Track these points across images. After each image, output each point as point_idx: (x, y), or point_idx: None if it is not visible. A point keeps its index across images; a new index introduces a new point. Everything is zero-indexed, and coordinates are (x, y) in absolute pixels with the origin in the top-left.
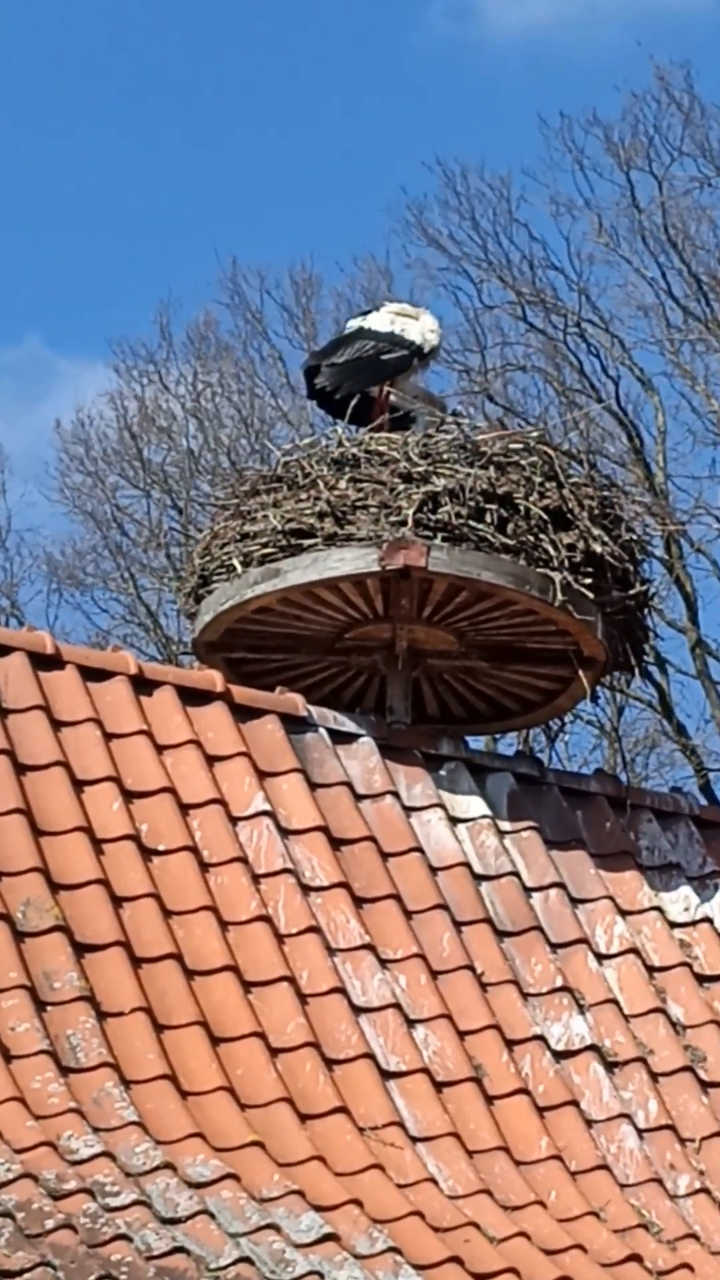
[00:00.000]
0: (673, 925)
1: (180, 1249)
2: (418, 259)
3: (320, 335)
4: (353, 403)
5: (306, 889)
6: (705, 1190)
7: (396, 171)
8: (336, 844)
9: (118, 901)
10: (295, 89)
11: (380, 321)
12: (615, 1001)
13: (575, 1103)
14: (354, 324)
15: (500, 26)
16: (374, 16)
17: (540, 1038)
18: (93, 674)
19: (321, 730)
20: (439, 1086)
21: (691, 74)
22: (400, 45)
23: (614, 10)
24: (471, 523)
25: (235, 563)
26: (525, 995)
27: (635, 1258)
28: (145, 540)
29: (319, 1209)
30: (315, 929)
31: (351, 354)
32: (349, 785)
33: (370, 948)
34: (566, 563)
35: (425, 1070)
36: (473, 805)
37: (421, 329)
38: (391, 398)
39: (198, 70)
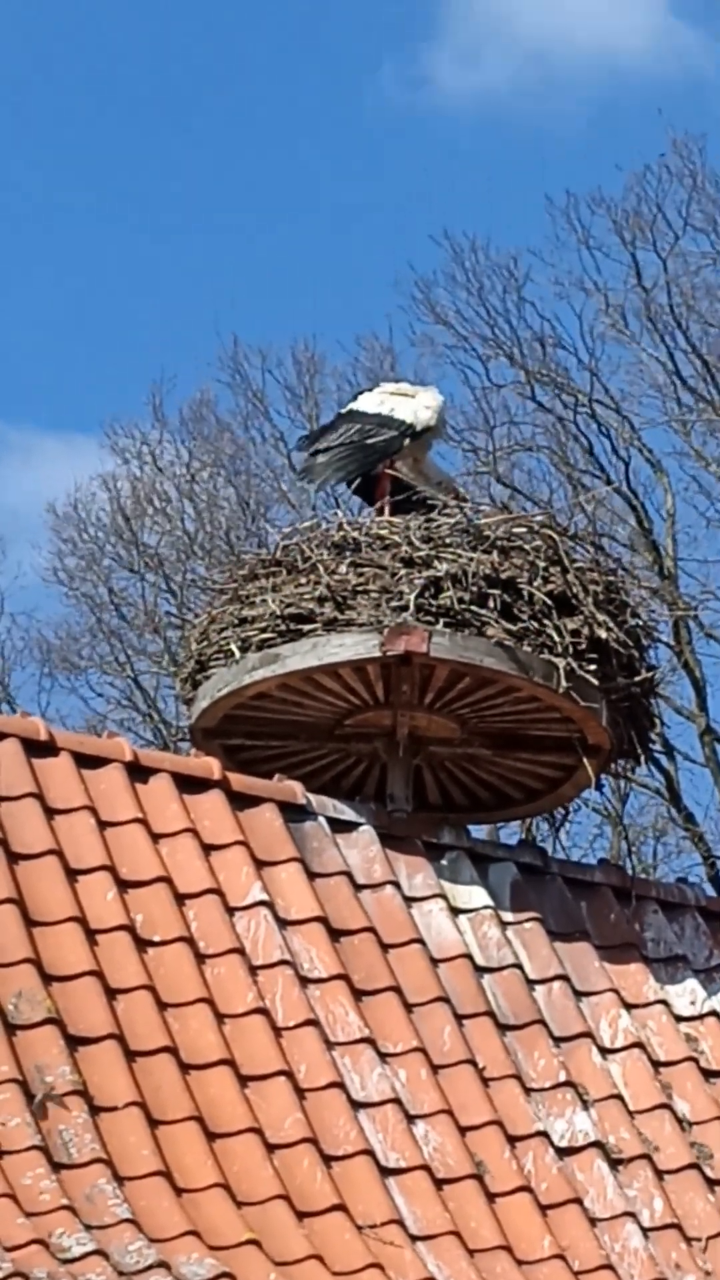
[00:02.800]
0: (679, 1019)
1: None
2: (424, 335)
3: (323, 414)
4: (352, 486)
5: (305, 981)
6: None
7: (402, 248)
8: (336, 935)
9: (112, 993)
10: (292, 167)
11: (370, 403)
12: (620, 1097)
13: (579, 1200)
14: (347, 406)
15: (453, 93)
16: (342, 90)
17: (543, 1134)
18: (87, 761)
19: (321, 819)
20: (439, 1184)
21: (700, 148)
22: (355, 117)
23: (571, 77)
24: (474, 608)
25: (233, 648)
26: (528, 1090)
27: None
28: (141, 624)
29: None
30: (314, 1022)
31: (335, 439)
32: (348, 875)
33: (370, 1041)
34: (571, 649)
35: (425, 1167)
36: (475, 895)
37: (414, 407)
38: (399, 475)
39: (196, 148)
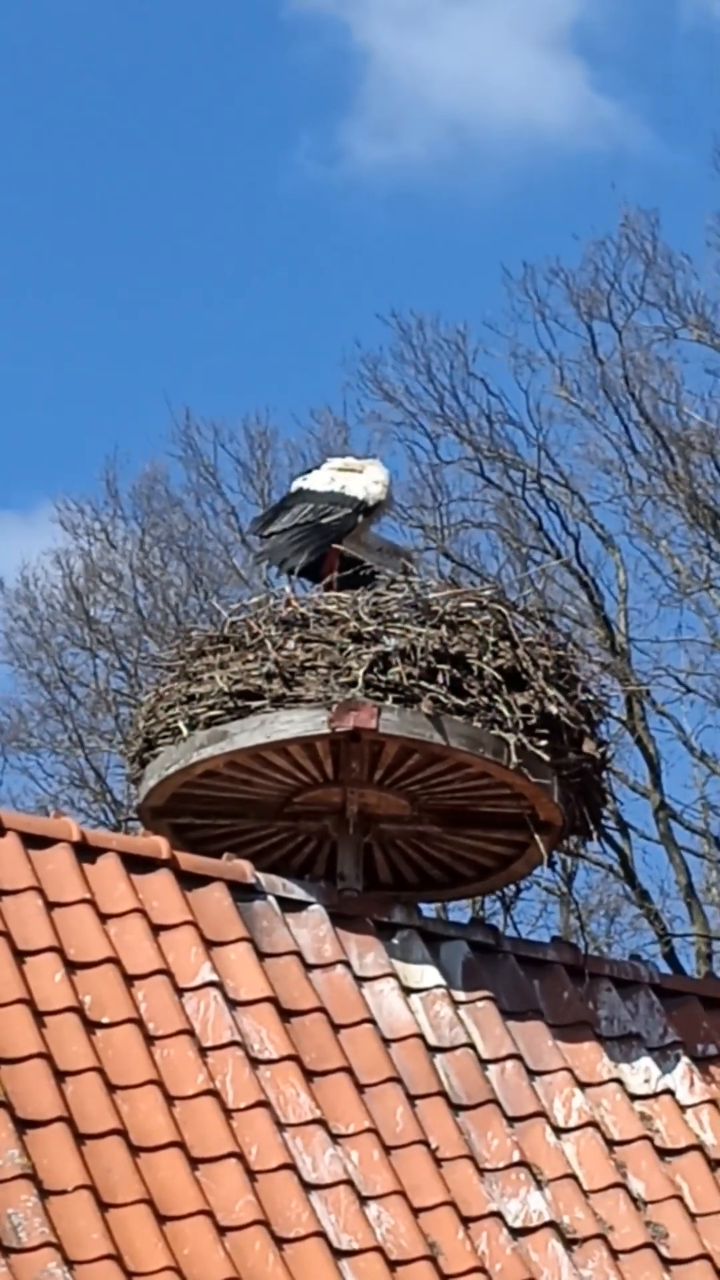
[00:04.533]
0: (633, 1098)
1: None
2: (373, 413)
3: (276, 488)
4: (299, 565)
5: (255, 1062)
6: None
7: (351, 324)
8: (286, 1015)
9: (60, 1076)
10: (246, 241)
11: (320, 480)
12: (574, 1176)
13: None
14: (296, 484)
15: (367, 165)
16: (262, 165)
17: (497, 1214)
18: (34, 841)
19: (270, 898)
20: (393, 1265)
21: (653, 220)
22: (268, 190)
23: (491, 150)
24: (423, 683)
25: (181, 725)
26: (481, 1170)
27: None
28: (93, 702)
29: None
30: (264, 1103)
31: (289, 520)
32: (299, 955)
33: (321, 1122)
34: (521, 724)
35: (379, 1249)
36: (426, 975)
37: (364, 482)
38: (344, 550)
39: (145, 224)
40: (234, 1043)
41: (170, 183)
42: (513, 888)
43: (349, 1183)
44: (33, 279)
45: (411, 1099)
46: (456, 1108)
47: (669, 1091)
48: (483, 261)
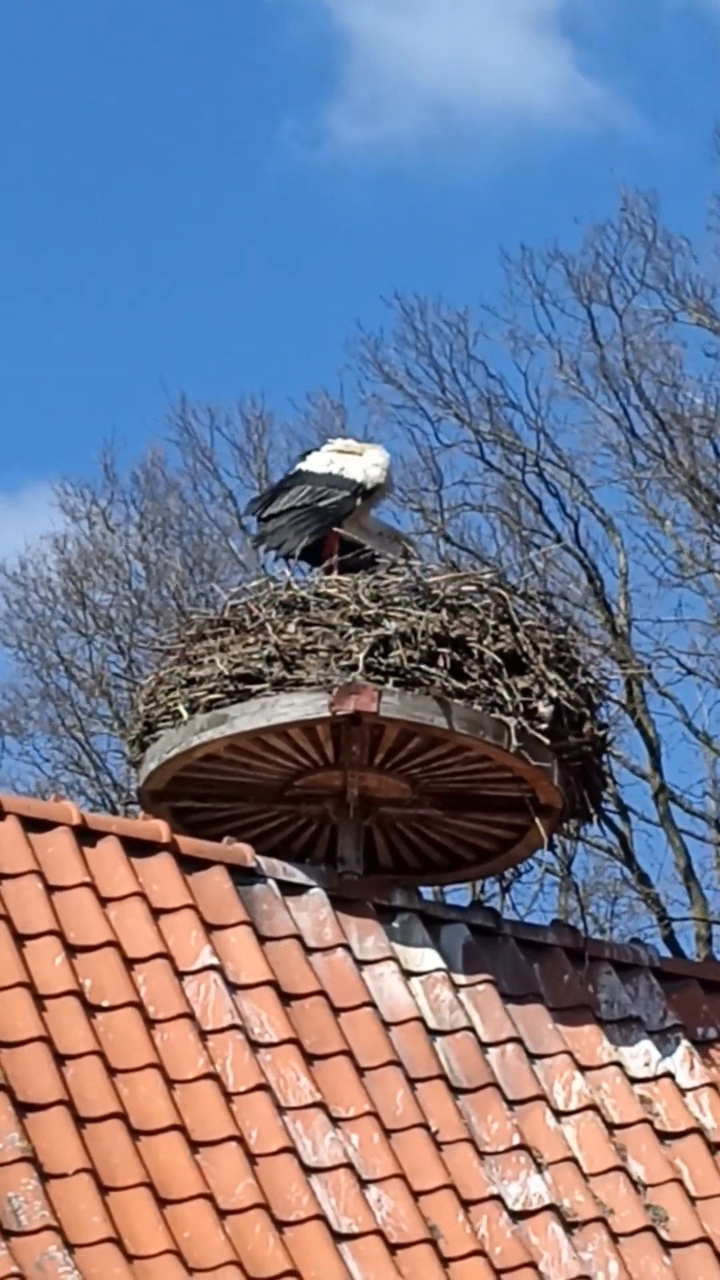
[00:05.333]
0: (633, 1081)
1: None
2: (373, 396)
3: (273, 472)
4: (298, 549)
5: (255, 1045)
6: None
7: (343, 307)
8: (286, 999)
9: (60, 1059)
10: (234, 226)
11: (319, 463)
12: (574, 1160)
13: (533, 1264)
14: (296, 467)
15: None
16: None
17: (497, 1197)
18: (34, 824)
19: (270, 881)
20: (393, 1248)
21: (652, 203)
22: (253, 174)
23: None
24: (424, 667)
25: (181, 709)
26: (481, 1154)
27: None
28: (91, 686)
29: None
30: (264, 1087)
31: (287, 503)
32: (299, 938)
33: (321, 1106)
34: (521, 707)
35: (379, 1232)
36: (427, 958)
37: (363, 465)
38: (344, 534)
39: (134, 208)
40: (234, 1026)
41: (156, 167)
42: (513, 871)
43: (349, 1166)
44: (26, 266)
45: (412, 1082)
46: (457, 1091)
47: (669, 1075)
48: (472, 244)
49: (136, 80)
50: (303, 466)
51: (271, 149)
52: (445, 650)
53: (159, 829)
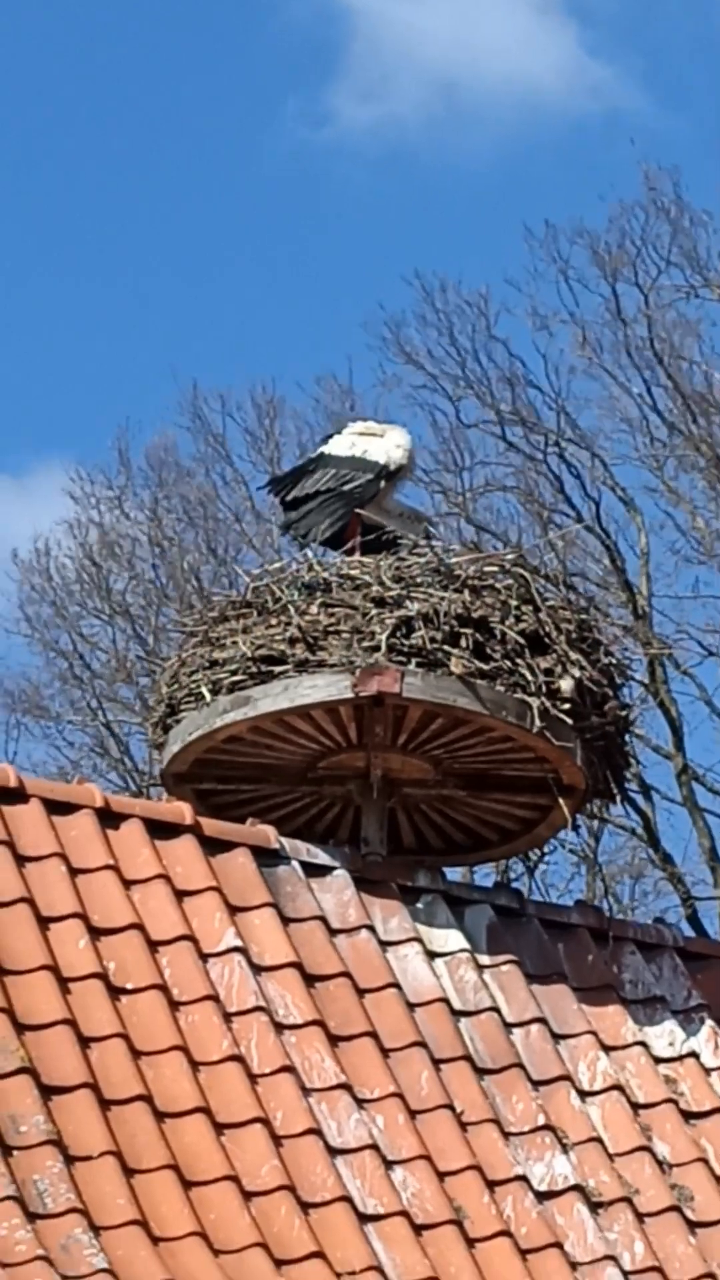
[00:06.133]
0: (657, 1060)
1: None
2: (394, 376)
3: (283, 457)
4: (320, 533)
5: (280, 1027)
6: None
7: (358, 287)
8: (310, 980)
9: (85, 1042)
10: (250, 207)
11: (341, 445)
12: (599, 1140)
13: (559, 1245)
14: (318, 450)
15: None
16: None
17: (522, 1178)
18: (57, 807)
19: (294, 863)
20: (418, 1229)
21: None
22: (254, 153)
23: (480, 109)
24: (446, 648)
25: (204, 691)
26: (506, 1135)
27: None
28: (112, 671)
29: None
30: (289, 1068)
31: (311, 486)
32: (323, 920)
33: (346, 1087)
34: (544, 688)
35: (404, 1213)
36: (451, 939)
37: (385, 447)
38: (366, 516)
39: (148, 192)
40: (258, 1008)
41: (161, 151)
42: (536, 851)
43: (374, 1147)
44: (36, 254)
45: (436, 1063)
46: (481, 1071)
47: (693, 1054)
48: (476, 223)
49: (140, 63)
50: (325, 450)
51: (276, 130)
52: (468, 631)
53: (182, 811)
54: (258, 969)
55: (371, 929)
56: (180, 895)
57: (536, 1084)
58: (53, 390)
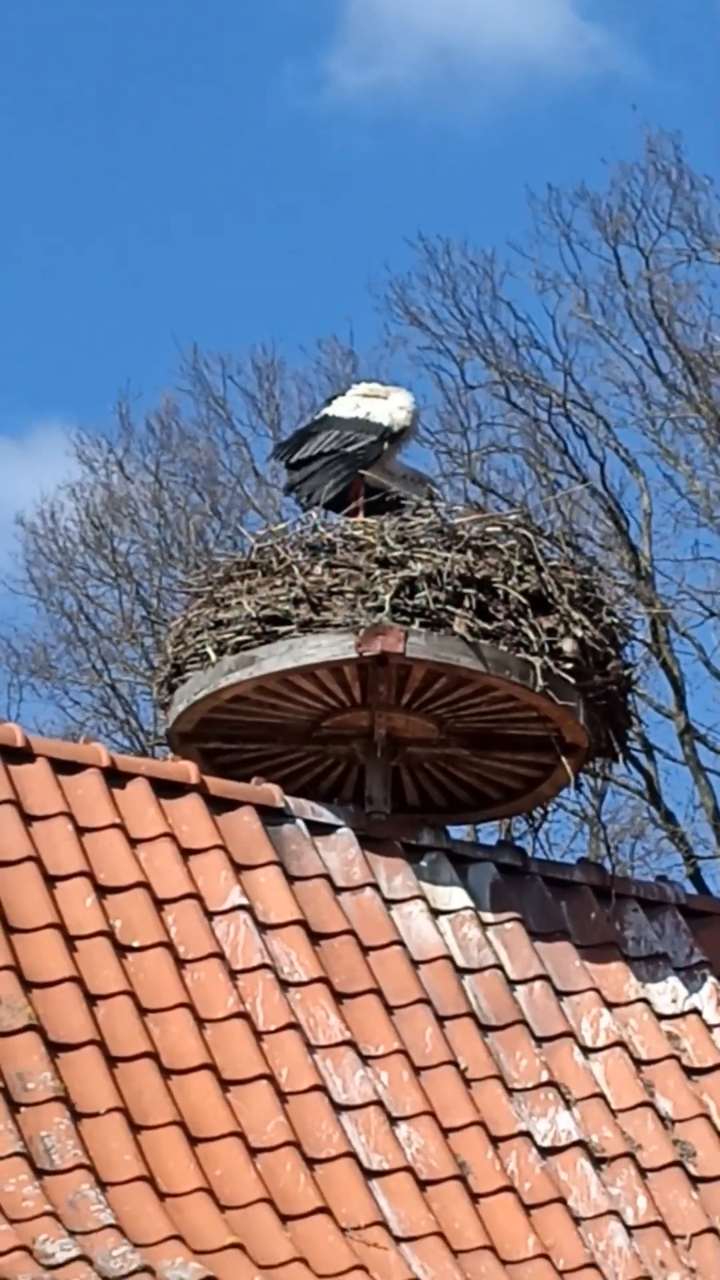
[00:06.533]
0: (660, 1017)
1: None
2: (398, 337)
3: (284, 420)
4: (324, 494)
5: (285, 984)
6: None
7: (357, 250)
8: (315, 938)
9: (92, 1000)
10: (247, 171)
11: (345, 407)
12: (602, 1096)
13: (562, 1200)
14: (322, 412)
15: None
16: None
17: (526, 1134)
18: (64, 767)
19: (299, 821)
20: (423, 1185)
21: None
22: (253, 119)
23: (476, 76)
24: (449, 608)
25: (209, 651)
26: (510, 1090)
27: None
28: (117, 632)
29: None
30: (294, 1025)
31: (315, 448)
32: (328, 878)
33: (351, 1044)
34: (546, 647)
35: (409, 1169)
36: (455, 897)
37: (389, 409)
38: (370, 477)
39: (148, 158)
40: (264, 965)
41: (162, 116)
42: (540, 810)
43: (379, 1103)
44: (38, 217)
45: (440, 1020)
46: (485, 1028)
47: (695, 1011)
48: (475, 187)
49: (139, 29)
50: (329, 411)
51: (274, 95)
52: (471, 591)
53: (188, 770)
54: (263, 927)
55: (376, 887)
56: (186, 854)
57: (540, 1040)
58: (54, 353)
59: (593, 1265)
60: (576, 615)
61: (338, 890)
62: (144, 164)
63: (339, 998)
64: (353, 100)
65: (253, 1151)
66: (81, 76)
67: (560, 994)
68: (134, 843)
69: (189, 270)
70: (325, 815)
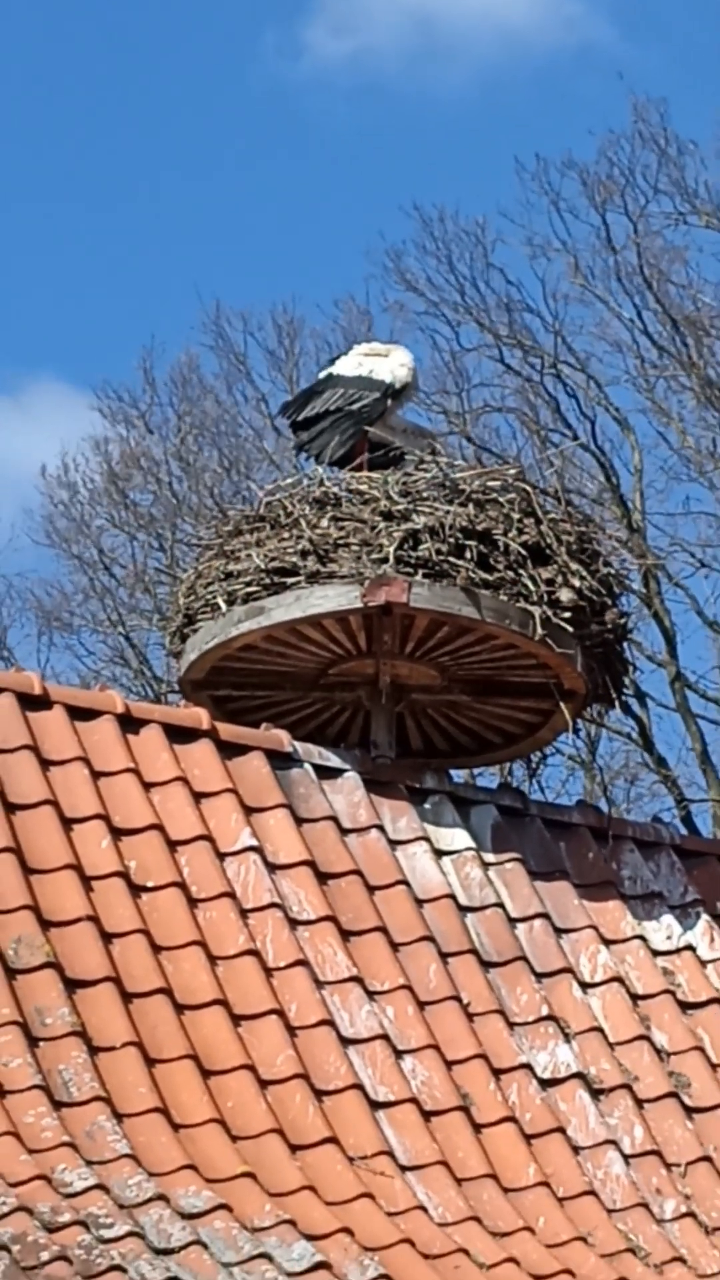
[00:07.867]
0: (655, 954)
1: (174, 1279)
2: (396, 302)
3: (302, 376)
4: (333, 451)
5: (294, 923)
6: (691, 1214)
7: (376, 215)
8: (323, 878)
9: (108, 938)
10: (272, 131)
11: (348, 366)
12: (600, 1030)
13: (562, 1130)
14: (326, 371)
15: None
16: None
17: (526, 1066)
18: (80, 713)
19: (307, 766)
20: (427, 1116)
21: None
22: (237, 89)
23: (456, 43)
24: (451, 559)
25: (220, 601)
26: (511, 1025)
27: None
28: (132, 582)
29: (310, 1238)
30: (303, 962)
31: (320, 406)
32: (335, 820)
33: (358, 980)
34: (545, 597)
35: (414, 1100)
36: (457, 838)
37: (391, 366)
38: (373, 433)
39: (177, 115)
40: (273, 904)
41: (153, 75)
42: (539, 754)
43: (385, 1037)
44: (64, 173)
45: (444, 957)
46: (487, 965)
47: (690, 947)
48: (455, 154)
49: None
50: (333, 370)
51: (254, 64)
52: (472, 543)
53: (199, 716)
54: (272, 867)
55: (381, 829)
56: (198, 797)
57: (540, 976)
58: (78, 309)
59: (591, 1193)
60: (574, 566)
61: (344, 832)
62: (148, 123)
63: (346, 935)
64: (332, 68)
65: (263, 1084)
66: (92, 41)
67: (559, 931)
68: (148, 786)
69: (212, 229)
70: (332, 759)
